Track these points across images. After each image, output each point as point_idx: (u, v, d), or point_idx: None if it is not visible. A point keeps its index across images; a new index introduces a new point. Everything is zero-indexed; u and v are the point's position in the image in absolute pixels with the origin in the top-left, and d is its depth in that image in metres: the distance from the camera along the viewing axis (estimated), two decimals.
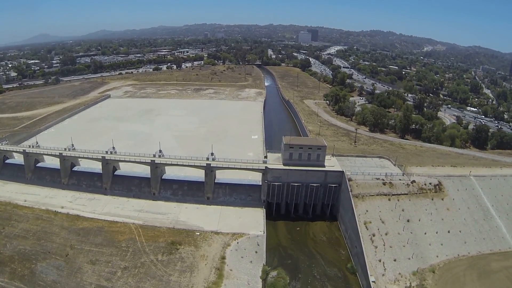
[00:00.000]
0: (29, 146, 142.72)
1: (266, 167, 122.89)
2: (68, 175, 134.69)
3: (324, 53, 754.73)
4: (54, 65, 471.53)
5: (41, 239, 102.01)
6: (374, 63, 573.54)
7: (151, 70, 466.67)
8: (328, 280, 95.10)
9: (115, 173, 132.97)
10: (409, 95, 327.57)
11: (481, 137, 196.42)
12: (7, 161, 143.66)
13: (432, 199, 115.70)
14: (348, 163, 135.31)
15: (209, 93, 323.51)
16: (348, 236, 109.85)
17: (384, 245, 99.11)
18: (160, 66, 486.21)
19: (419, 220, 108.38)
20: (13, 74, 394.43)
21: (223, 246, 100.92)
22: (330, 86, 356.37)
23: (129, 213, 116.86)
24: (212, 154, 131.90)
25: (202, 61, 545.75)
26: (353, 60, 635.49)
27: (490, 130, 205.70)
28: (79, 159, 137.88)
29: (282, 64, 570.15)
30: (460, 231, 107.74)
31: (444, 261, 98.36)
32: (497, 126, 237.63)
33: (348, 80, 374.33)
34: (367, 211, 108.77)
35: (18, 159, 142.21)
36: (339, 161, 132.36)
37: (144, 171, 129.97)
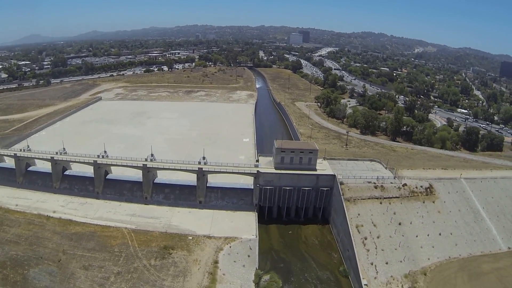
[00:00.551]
0: (20, 150, 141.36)
1: (258, 171, 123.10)
2: (59, 179, 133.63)
3: (315, 54, 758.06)
4: (45, 67, 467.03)
5: (33, 244, 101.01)
6: (365, 65, 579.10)
7: (142, 72, 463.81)
8: (321, 284, 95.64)
9: (107, 177, 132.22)
10: (400, 97, 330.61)
11: (472, 139, 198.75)
12: None
13: (424, 202, 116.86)
14: (340, 166, 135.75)
15: (200, 95, 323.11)
16: (340, 240, 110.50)
17: (376, 248, 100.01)
18: (151, 68, 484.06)
19: (411, 223, 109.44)
20: (4, 75, 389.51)
21: (215, 250, 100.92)
22: (321, 88, 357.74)
23: (122, 218, 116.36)
24: (204, 158, 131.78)
25: (194, 63, 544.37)
26: (344, 61, 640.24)
27: (481, 132, 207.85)
28: (71, 163, 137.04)
29: (274, 65, 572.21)
30: (451, 234, 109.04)
31: (436, 263, 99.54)
32: (485, 128, 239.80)
33: (339, 82, 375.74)
34: (359, 214, 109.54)
35: (9, 163, 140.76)
36: (331, 164, 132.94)
37: (136, 175, 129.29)
